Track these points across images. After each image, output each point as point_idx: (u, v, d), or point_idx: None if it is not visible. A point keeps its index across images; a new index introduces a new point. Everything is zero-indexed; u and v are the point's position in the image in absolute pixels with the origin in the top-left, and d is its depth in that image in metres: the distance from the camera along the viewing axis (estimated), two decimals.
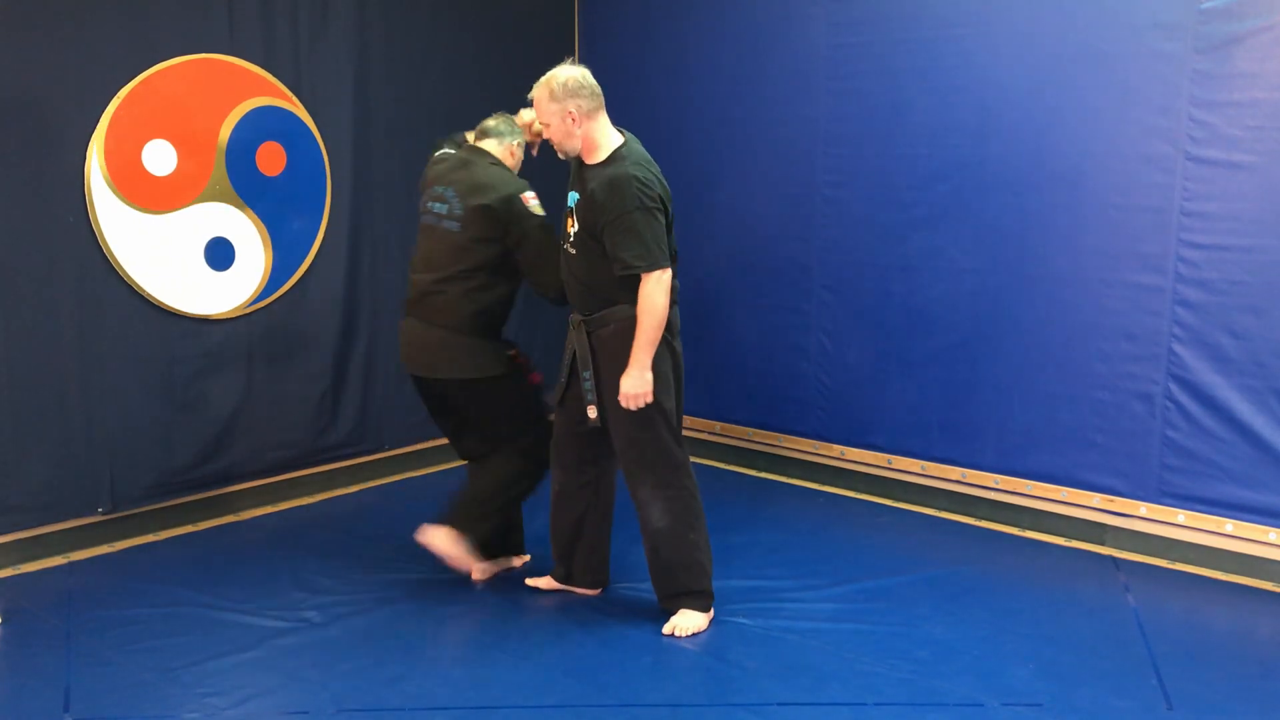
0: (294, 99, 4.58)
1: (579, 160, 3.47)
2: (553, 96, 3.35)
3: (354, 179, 4.84)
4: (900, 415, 4.76)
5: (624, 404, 3.33)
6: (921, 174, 4.56)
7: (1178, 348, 4.03)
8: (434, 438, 5.32)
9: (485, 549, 3.91)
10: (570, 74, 3.37)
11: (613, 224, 3.29)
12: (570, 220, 3.45)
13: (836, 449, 4.99)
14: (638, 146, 3.44)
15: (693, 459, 5.44)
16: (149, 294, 4.24)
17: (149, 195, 4.20)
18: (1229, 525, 3.99)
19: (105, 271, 4.13)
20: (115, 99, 4.07)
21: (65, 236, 4.02)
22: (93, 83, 4.02)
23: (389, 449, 5.14)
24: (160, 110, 4.19)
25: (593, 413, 3.45)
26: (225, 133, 4.38)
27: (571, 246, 3.44)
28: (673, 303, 3.41)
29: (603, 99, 3.44)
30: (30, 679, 3.18)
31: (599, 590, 3.80)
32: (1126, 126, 4.04)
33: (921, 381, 4.68)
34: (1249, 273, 3.86)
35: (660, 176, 3.41)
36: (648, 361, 3.32)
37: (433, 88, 5.11)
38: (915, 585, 3.89)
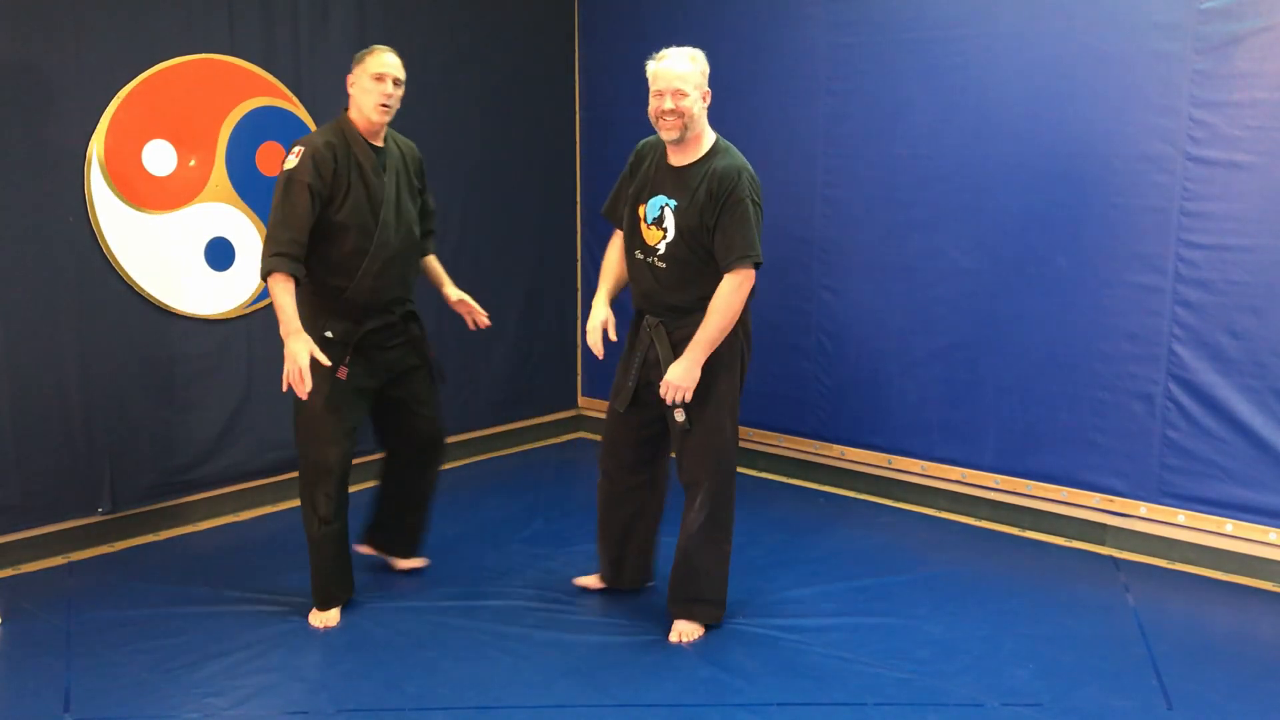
0: (294, 99, 4.59)
1: (665, 163, 3.33)
2: (704, 72, 3.24)
3: None
4: (900, 415, 4.76)
5: (663, 391, 3.28)
6: (921, 174, 4.56)
7: (1178, 348, 4.03)
8: None
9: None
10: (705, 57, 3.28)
11: (727, 212, 3.20)
12: (653, 230, 3.33)
13: (836, 449, 4.99)
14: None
15: None
16: (149, 294, 4.24)
17: (149, 195, 4.20)
18: (1229, 525, 3.99)
19: (105, 271, 4.13)
20: (115, 99, 4.07)
21: (65, 236, 4.02)
22: (93, 83, 4.02)
23: None
24: (160, 110, 4.19)
25: (680, 416, 3.36)
26: (225, 133, 4.38)
27: (660, 260, 3.32)
28: (748, 308, 3.37)
29: None
30: (30, 679, 3.18)
31: (645, 585, 3.80)
32: (1126, 126, 4.04)
33: (921, 381, 4.68)
34: (1249, 273, 3.86)
35: None
36: (703, 358, 3.26)
37: (433, 87, 5.11)
38: (915, 585, 3.89)
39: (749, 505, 4.75)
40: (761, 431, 5.23)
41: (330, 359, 3.43)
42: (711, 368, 3.31)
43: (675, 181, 3.30)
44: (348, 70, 4.75)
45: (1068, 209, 4.21)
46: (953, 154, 4.47)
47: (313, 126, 4.63)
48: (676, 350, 3.34)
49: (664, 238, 3.30)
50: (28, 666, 3.26)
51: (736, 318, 3.28)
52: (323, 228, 3.40)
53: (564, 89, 5.71)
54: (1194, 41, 3.87)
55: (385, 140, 3.54)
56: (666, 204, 3.30)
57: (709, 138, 3.33)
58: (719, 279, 3.27)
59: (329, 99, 4.71)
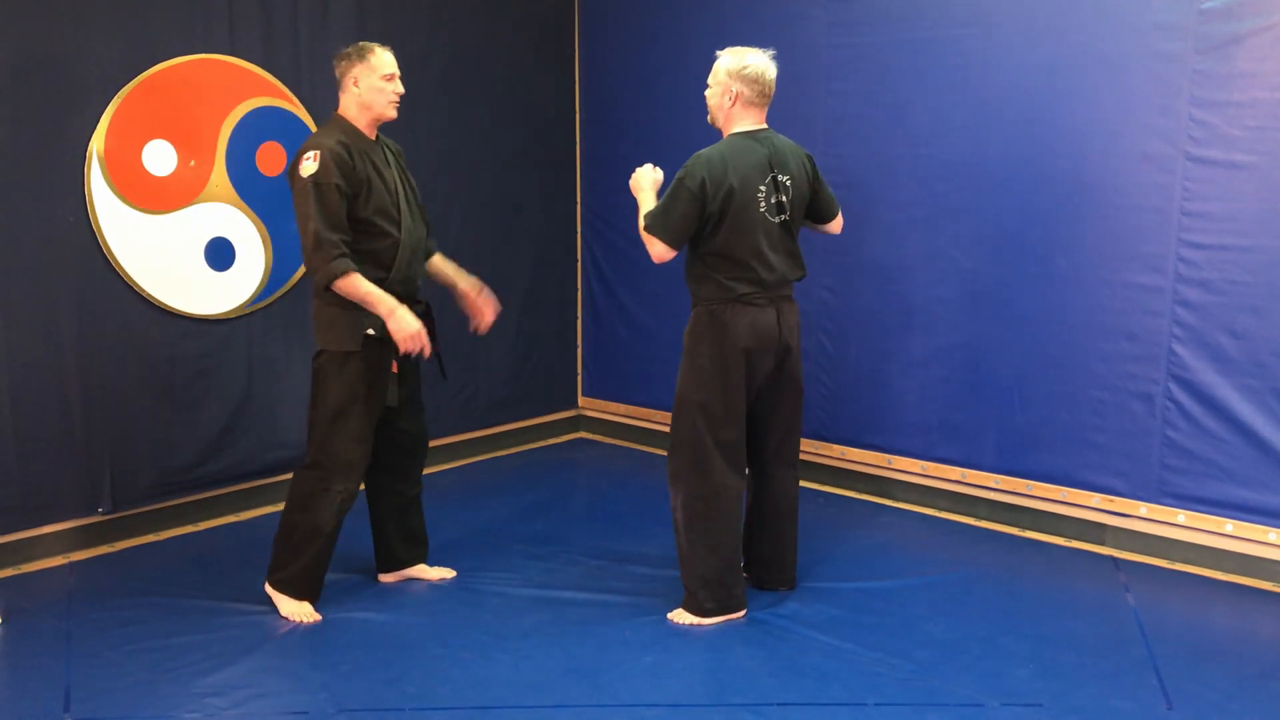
0: (294, 99, 4.59)
1: None
2: (729, 71, 3.46)
3: None
4: (900, 415, 4.76)
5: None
6: (921, 174, 4.56)
7: (1178, 348, 4.03)
8: (433, 438, 5.33)
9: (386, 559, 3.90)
10: (757, 62, 3.46)
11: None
12: None
13: (836, 449, 4.99)
14: (745, 143, 3.46)
15: None
16: (149, 294, 4.24)
17: (149, 195, 4.20)
18: (1229, 525, 3.99)
19: (105, 271, 4.13)
20: (115, 99, 4.07)
21: (65, 236, 4.02)
22: (93, 83, 4.02)
23: None
24: (160, 110, 4.19)
25: None
26: (225, 133, 4.38)
27: None
28: (740, 300, 3.48)
29: (768, 100, 3.51)
30: (30, 679, 3.18)
31: (788, 588, 3.85)
32: (1126, 126, 4.04)
33: (921, 381, 4.68)
34: (1249, 273, 3.86)
35: (732, 171, 3.40)
36: (640, 200, 3.62)
37: (433, 88, 5.11)
38: (915, 585, 3.89)
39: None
40: None
41: (374, 355, 3.48)
42: (683, 356, 3.55)
43: None
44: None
45: (1068, 209, 4.21)
46: (953, 154, 4.47)
47: (313, 126, 4.63)
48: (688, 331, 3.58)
49: None
50: (28, 666, 3.26)
51: (642, 234, 3.50)
52: (353, 225, 3.43)
53: (564, 89, 5.71)
54: (1194, 41, 3.87)
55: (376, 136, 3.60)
56: None
57: (728, 132, 3.53)
58: (694, 265, 3.53)
59: (329, 99, 4.69)
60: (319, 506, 3.55)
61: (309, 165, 3.36)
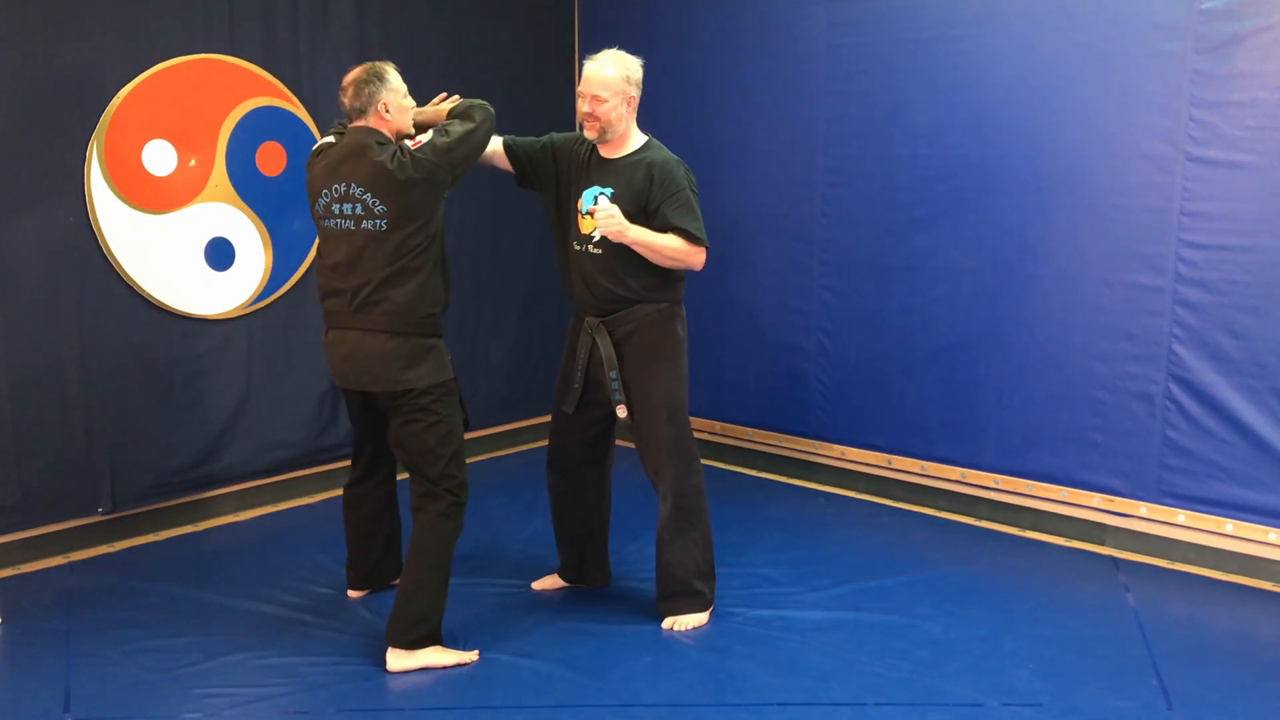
0: (294, 99, 4.58)
1: (596, 156, 3.45)
2: (628, 79, 3.34)
3: None
4: (900, 415, 4.76)
5: (602, 224, 3.25)
6: (921, 174, 4.56)
7: (1178, 348, 4.03)
8: None
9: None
10: (638, 64, 3.40)
11: (671, 199, 3.33)
12: (587, 219, 3.40)
13: (836, 449, 4.99)
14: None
15: None
16: (149, 294, 4.24)
17: (149, 195, 4.20)
18: (1229, 525, 3.99)
19: (105, 271, 4.13)
20: (115, 99, 4.07)
21: (65, 236, 4.02)
22: (93, 83, 4.02)
23: None
24: (160, 110, 4.19)
25: (622, 412, 3.47)
26: (225, 133, 4.38)
27: (595, 247, 3.40)
28: (679, 300, 3.51)
29: None
30: (30, 679, 3.18)
31: (606, 584, 3.87)
32: (1126, 126, 4.05)
33: (921, 381, 4.68)
34: (1249, 273, 3.86)
35: None
36: (638, 238, 3.27)
37: (433, 88, 5.10)
38: (915, 585, 3.89)
39: (748, 505, 4.76)
40: (761, 431, 5.23)
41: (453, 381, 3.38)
42: (648, 362, 3.42)
43: (610, 172, 3.42)
44: (347, 70, 4.77)
45: (1068, 209, 4.21)
46: (953, 154, 4.47)
47: (313, 126, 4.63)
48: (619, 348, 3.44)
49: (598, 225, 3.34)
50: (28, 666, 3.26)
51: (671, 260, 3.35)
52: (441, 239, 3.34)
53: (564, 89, 5.71)
54: (1194, 41, 3.87)
55: None
56: (601, 193, 3.40)
57: (639, 137, 3.46)
58: (653, 269, 3.38)
59: (329, 99, 4.70)
60: (454, 540, 3.34)
61: (418, 140, 3.33)
